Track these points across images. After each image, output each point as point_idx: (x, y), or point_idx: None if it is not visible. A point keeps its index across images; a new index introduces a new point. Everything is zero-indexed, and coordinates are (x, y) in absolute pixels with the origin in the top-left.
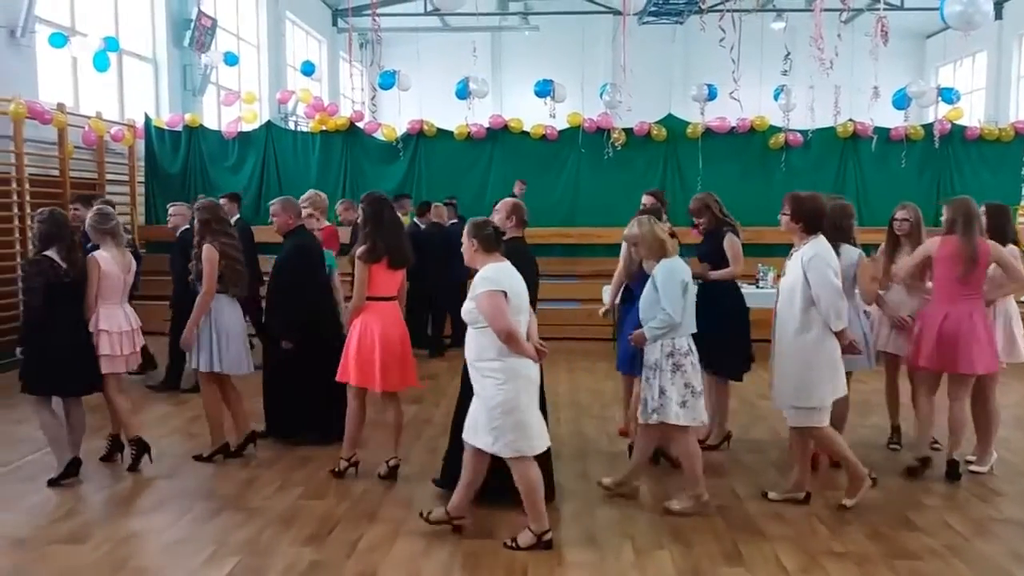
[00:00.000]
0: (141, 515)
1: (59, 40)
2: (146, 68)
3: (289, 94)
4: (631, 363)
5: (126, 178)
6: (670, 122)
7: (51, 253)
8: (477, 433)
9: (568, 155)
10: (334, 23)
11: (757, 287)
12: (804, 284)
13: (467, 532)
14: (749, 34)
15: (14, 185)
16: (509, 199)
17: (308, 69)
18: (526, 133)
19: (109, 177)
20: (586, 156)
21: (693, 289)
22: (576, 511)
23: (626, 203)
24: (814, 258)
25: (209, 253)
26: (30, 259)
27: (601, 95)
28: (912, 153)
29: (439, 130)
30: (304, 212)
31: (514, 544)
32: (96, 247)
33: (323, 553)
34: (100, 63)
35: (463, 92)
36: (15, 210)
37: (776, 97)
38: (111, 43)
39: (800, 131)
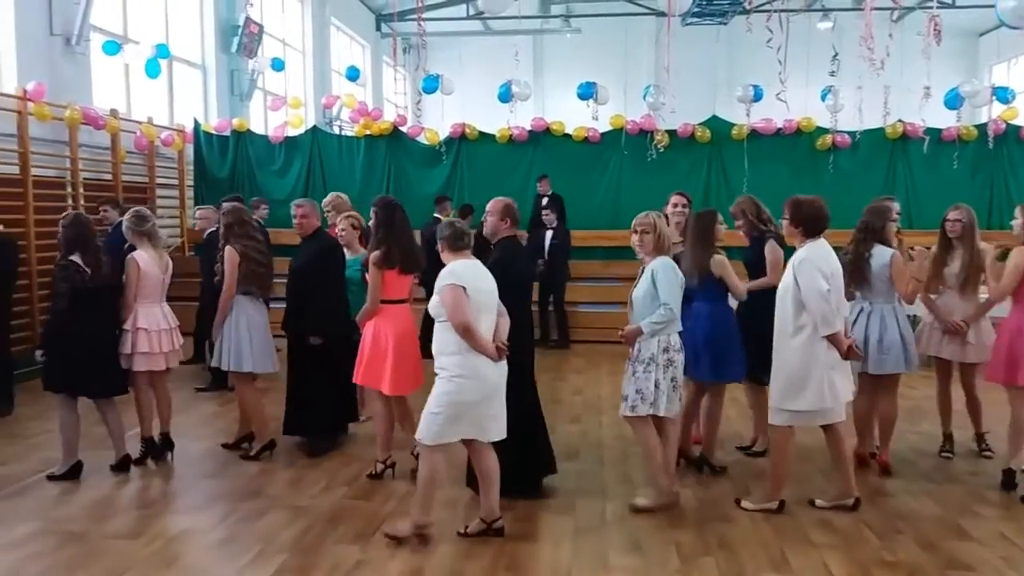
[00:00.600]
0: (190, 513)
1: (112, 48)
2: (195, 74)
3: (334, 99)
4: (713, 369)
5: (176, 182)
6: (714, 123)
7: (76, 258)
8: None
9: (610, 157)
10: (377, 28)
11: None
12: (795, 288)
13: (509, 535)
14: (795, 34)
15: (69, 189)
16: (500, 199)
17: (353, 74)
18: (568, 135)
19: (159, 181)
20: (629, 158)
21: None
22: (620, 515)
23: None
24: (803, 262)
25: (230, 255)
26: (58, 263)
27: (644, 97)
28: (965, 154)
29: (481, 133)
30: (341, 215)
31: (392, 535)
32: (132, 248)
33: (368, 553)
34: (151, 69)
35: (506, 95)
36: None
37: (823, 98)
38: (162, 50)
39: (848, 132)
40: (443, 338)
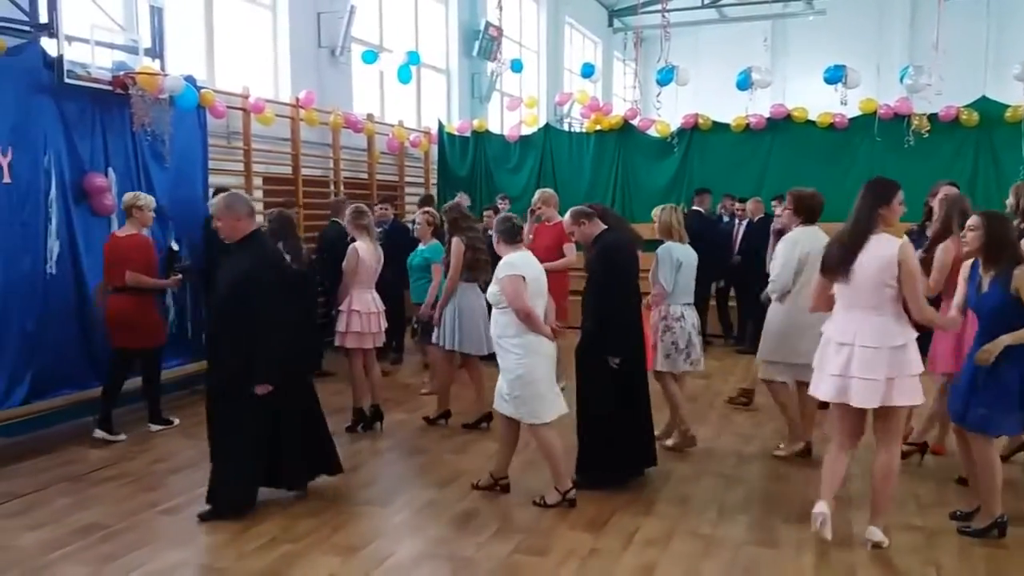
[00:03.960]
0: (434, 487)
1: (370, 57)
2: (440, 78)
3: (567, 96)
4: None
5: (422, 180)
6: (983, 105)
7: (280, 246)
8: (503, 402)
9: (859, 144)
10: (610, 24)
11: None
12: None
13: (746, 540)
14: None
15: (332, 187)
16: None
17: (588, 71)
18: (811, 122)
19: (408, 179)
20: (881, 145)
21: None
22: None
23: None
24: (787, 239)
25: (456, 246)
26: None
27: (902, 79)
28: None
29: (714, 123)
30: (540, 209)
31: (543, 502)
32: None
33: (601, 542)
34: (403, 76)
35: (745, 83)
36: None
37: None
38: (413, 57)
39: None
40: (503, 322)
